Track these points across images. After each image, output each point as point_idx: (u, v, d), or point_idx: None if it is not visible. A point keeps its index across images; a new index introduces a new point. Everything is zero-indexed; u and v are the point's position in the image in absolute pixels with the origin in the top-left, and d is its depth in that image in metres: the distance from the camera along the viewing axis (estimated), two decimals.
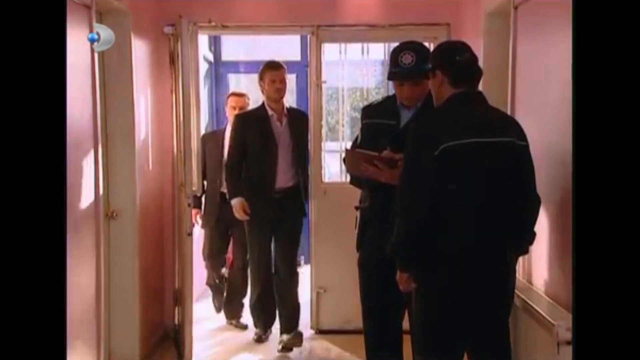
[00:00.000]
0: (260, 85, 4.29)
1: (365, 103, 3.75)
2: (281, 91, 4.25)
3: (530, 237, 2.59)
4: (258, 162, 4.22)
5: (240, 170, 4.28)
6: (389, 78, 3.03)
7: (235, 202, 4.25)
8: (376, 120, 3.05)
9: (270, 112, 4.28)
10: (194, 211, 4.55)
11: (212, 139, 4.81)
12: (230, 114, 4.74)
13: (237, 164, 4.29)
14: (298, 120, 4.41)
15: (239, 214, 4.24)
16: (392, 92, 3.20)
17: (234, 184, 4.29)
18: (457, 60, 2.50)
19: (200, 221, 4.85)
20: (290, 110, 4.42)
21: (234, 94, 4.92)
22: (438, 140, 2.38)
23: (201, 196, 4.72)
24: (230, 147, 4.36)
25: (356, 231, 3.19)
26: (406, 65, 2.87)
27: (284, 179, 4.26)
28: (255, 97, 4.80)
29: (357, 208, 3.18)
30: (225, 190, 4.47)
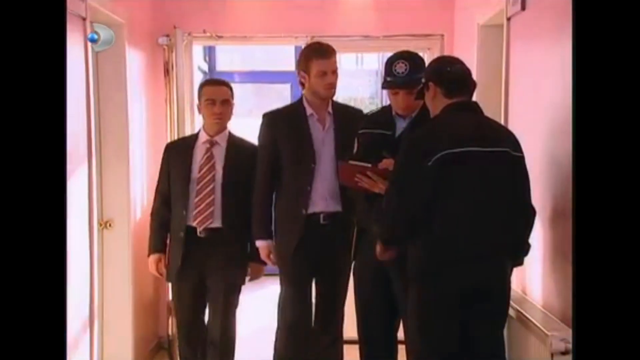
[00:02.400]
0: (302, 78, 3.17)
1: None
2: (334, 87, 3.15)
3: (525, 248, 2.59)
4: (291, 177, 3.16)
5: (269, 193, 3.22)
6: (383, 87, 3.02)
7: (262, 246, 3.23)
8: (372, 130, 3.04)
9: (309, 111, 3.18)
10: (153, 258, 3.34)
11: (178, 149, 3.36)
12: (206, 112, 3.28)
13: (264, 184, 3.21)
14: (348, 120, 3.19)
15: (266, 259, 3.28)
16: (387, 102, 3.21)
17: (261, 215, 3.23)
18: (447, 71, 2.53)
19: (164, 272, 3.36)
20: (337, 107, 3.26)
21: (210, 83, 3.44)
22: (432, 150, 2.39)
23: (164, 232, 3.36)
24: (258, 161, 3.23)
25: (352, 240, 3.18)
26: (400, 74, 2.88)
27: (326, 201, 3.16)
28: (252, 108, 4.28)
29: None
30: (193, 224, 3.20)
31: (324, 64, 3.11)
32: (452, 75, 2.53)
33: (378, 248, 2.69)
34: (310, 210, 3.15)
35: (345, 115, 3.26)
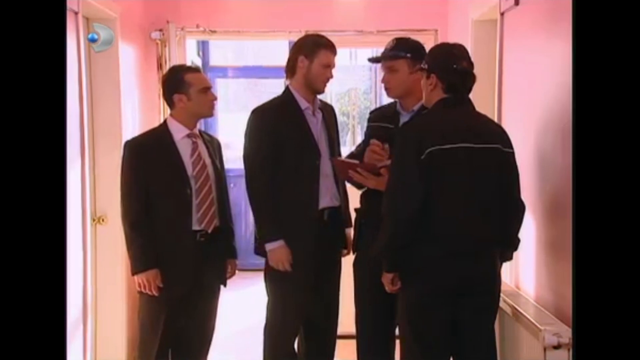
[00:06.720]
0: (300, 62, 3.01)
1: (353, 107, 3.76)
2: (328, 81, 3.10)
3: (515, 243, 2.60)
4: (295, 175, 2.98)
5: (270, 190, 2.99)
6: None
7: (276, 248, 2.97)
8: (377, 123, 3.06)
9: (304, 104, 3.05)
10: (151, 274, 2.89)
11: (152, 147, 2.96)
12: (201, 101, 2.98)
13: (267, 181, 2.99)
14: (330, 115, 3.21)
15: (280, 265, 2.97)
16: (381, 97, 3.22)
17: (269, 213, 2.99)
18: (454, 69, 2.50)
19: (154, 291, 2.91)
20: (321, 101, 3.20)
21: (196, 70, 3.11)
22: (424, 144, 2.39)
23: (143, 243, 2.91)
24: (252, 155, 3.02)
25: (353, 233, 3.19)
26: (386, 50, 2.93)
27: (329, 196, 3.07)
28: (245, 103, 4.00)
29: (356, 210, 3.19)
30: (198, 228, 2.94)
31: (331, 57, 3.03)
32: (458, 73, 2.50)
33: (385, 280, 2.58)
34: (319, 207, 3.03)
35: (327, 109, 3.22)
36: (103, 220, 3.69)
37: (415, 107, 2.91)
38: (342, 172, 2.97)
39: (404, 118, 2.96)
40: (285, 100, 3.08)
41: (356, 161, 2.87)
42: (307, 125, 3.04)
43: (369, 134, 3.08)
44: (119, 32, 3.72)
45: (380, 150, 2.83)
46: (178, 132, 2.97)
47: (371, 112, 3.28)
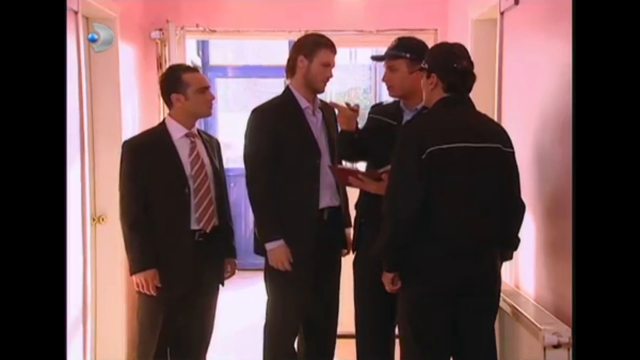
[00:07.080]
0: (299, 62, 3.02)
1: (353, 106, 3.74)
2: (328, 81, 3.10)
3: (515, 242, 2.60)
4: (295, 174, 3.00)
5: (273, 190, 2.99)
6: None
7: (276, 248, 2.98)
8: (379, 117, 3.08)
9: (304, 104, 3.06)
10: (149, 274, 2.89)
11: (151, 147, 2.96)
12: (200, 100, 2.96)
13: (267, 180, 2.98)
14: (330, 114, 3.18)
15: (280, 264, 2.97)
16: (380, 96, 3.24)
17: (270, 213, 3.00)
18: (454, 68, 2.50)
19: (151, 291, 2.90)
20: (321, 101, 3.20)
21: (193, 70, 3.12)
22: (424, 144, 2.39)
23: (142, 242, 2.90)
24: (252, 155, 3.02)
25: (353, 232, 3.19)
26: (388, 48, 2.96)
27: (329, 195, 3.07)
28: (245, 103, 4.04)
29: (355, 207, 3.19)
30: (197, 227, 2.93)
31: (330, 56, 3.02)
32: (458, 73, 2.50)
33: (385, 279, 2.58)
34: (319, 207, 3.03)
35: (327, 108, 3.20)
36: (103, 219, 3.69)
37: (418, 107, 2.91)
38: (342, 179, 2.99)
39: (406, 116, 2.97)
40: (285, 100, 3.07)
41: (356, 168, 2.90)
42: (307, 125, 3.04)
43: (371, 126, 3.09)
44: (118, 31, 3.72)
45: (350, 112, 2.97)
46: (176, 131, 2.97)
47: (373, 107, 3.31)
